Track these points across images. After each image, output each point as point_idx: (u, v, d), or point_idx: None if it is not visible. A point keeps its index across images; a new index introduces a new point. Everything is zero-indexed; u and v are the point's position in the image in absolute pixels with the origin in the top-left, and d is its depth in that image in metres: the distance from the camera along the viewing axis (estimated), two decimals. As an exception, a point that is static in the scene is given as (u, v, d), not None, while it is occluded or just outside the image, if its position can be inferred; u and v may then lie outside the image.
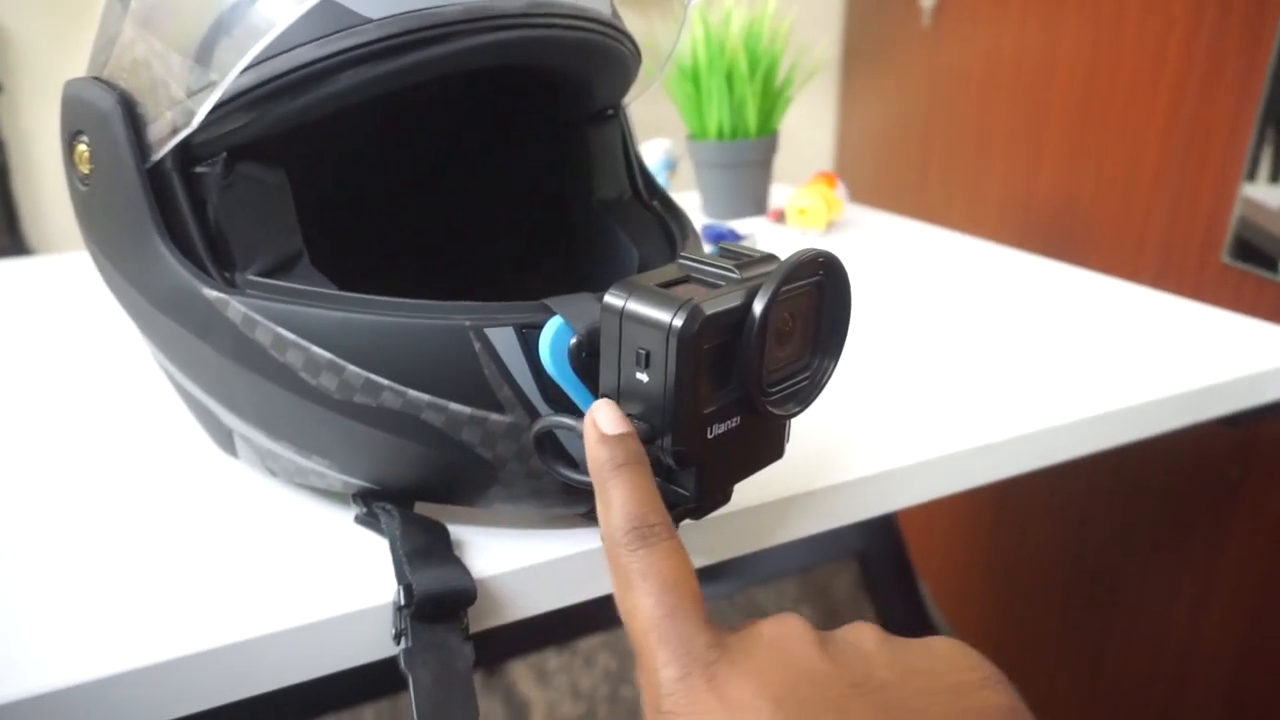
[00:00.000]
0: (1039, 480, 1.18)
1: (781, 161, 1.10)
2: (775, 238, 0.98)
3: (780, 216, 1.04)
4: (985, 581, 1.39)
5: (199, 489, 0.45)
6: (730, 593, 1.50)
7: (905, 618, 1.19)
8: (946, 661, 0.27)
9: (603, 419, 0.31)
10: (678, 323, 0.29)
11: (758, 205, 1.08)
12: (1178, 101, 0.95)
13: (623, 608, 0.28)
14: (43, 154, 1.36)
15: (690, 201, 1.13)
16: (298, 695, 0.40)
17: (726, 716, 0.24)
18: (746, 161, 1.05)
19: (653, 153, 1.10)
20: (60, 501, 0.45)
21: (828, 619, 1.63)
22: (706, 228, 0.94)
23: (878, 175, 1.62)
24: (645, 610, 0.27)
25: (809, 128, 1.70)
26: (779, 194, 1.17)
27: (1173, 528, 0.99)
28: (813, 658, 0.26)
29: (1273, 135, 0.83)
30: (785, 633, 0.27)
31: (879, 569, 1.20)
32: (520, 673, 1.52)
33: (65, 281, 0.87)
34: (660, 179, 1.12)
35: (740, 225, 1.02)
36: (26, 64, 1.32)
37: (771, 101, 1.05)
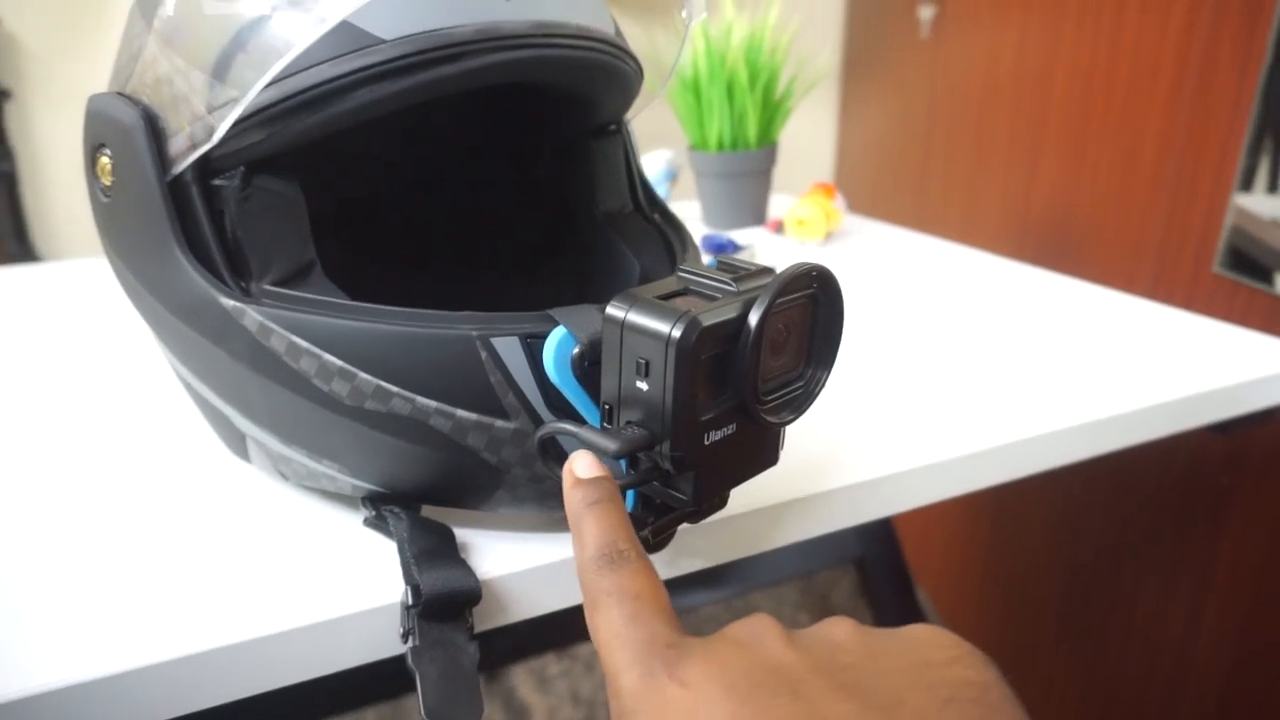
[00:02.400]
0: (1034, 486, 1.19)
1: (781, 172, 1.11)
2: (774, 248, 1.00)
3: (779, 227, 1.05)
4: (982, 586, 1.40)
5: (212, 491, 0.47)
6: (729, 598, 1.51)
7: (903, 623, 1.19)
8: (918, 643, 0.26)
9: (579, 466, 0.33)
10: (676, 334, 0.31)
11: (757, 215, 1.09)
12: (1172, 113, 0.96)
13: (590, 628, 0.28)
14: (51, 161, 1.38)
15: (690, 211, 1.14)
16: (300, 698, 0.41)
17: (681, 703, 0.24)
18: (746, 172, 1.07)
19: (654, 163, 1.12)
20: (75, 503, 0.46)
21: (826, 625, 1.63)
22: (706, 237, 0.96)
23: (876, 185, 1.64)
24: (608, 623, 0.27)
25: (809, 138, 1.72)
26: (778, 204, 1.19)
27: (1167, 533, 1.00)
28: (776, 650, 0.26)
29: (1267, 145, 0.85)
30: (751, 630, 0.27)
31: (876, 575, 1.21)
32: (521, 678, 1.53)
33: (74, 288, 0.88)
34: (661, 189, 1.14)
35: (740, 235, 1.03)
36: (35, 71, 1.33)
37: (772, 113, 1.07)
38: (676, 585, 0.40)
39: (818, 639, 0.27)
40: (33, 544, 0.42)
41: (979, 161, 1.32)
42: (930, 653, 0.26)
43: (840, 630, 0.27)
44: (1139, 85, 1.00)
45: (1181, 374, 0.62)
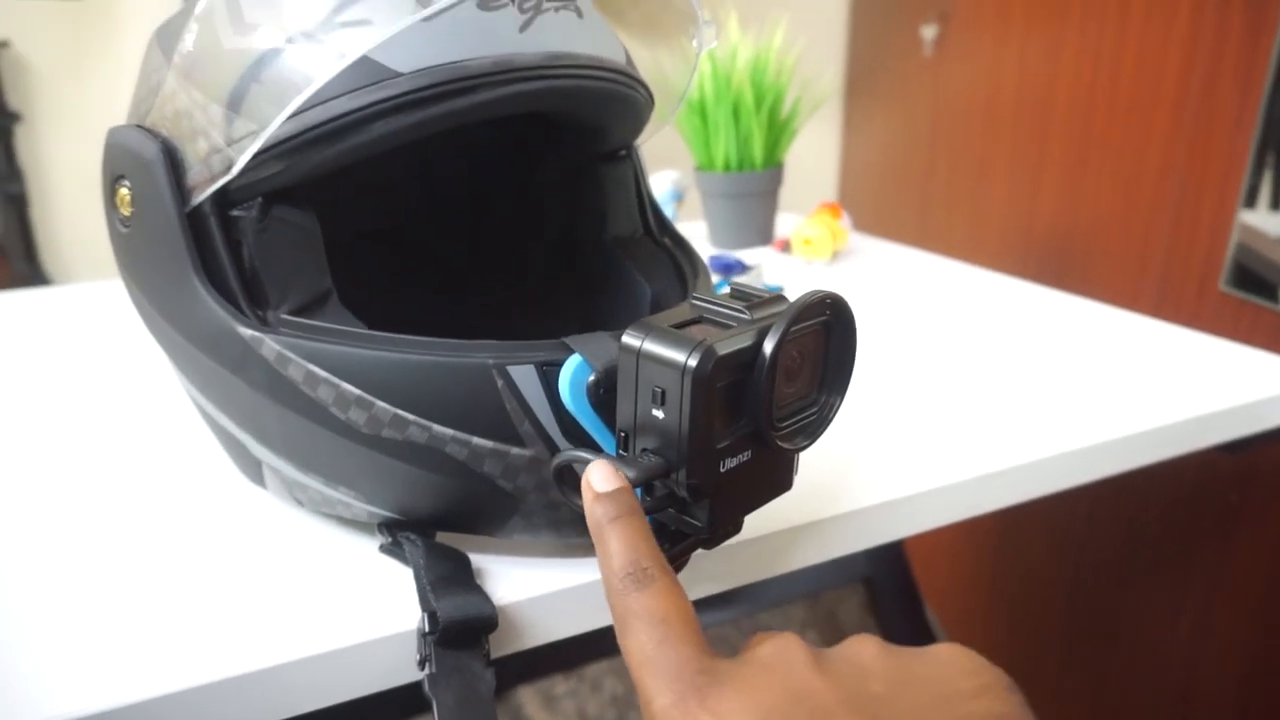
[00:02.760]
0: (1042, 505, 1.19)
1: (785, 190, 1.12)
2: (781, 267, 1.00)
3: (786, 246, 1.06)
4: (989, 605, 1.39)
5: (227, 518, 0.47)
6: (737, 618, 1.50)
7: (911, 642, 1.19)
8: (946, 668, 0.27)
9: (596, 479, 0.32)
10: (692, 363, 0.31)
11: (764, 235, 1.10)
12: (1175, 129, 0.97)
13: (624, 650, 0.29)
14: (61, 183, 1.39)
15: (697, 231, 1.15)
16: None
17: None
18: (753, 192, 1.07)
19: (660, 184, 1.12)
20: (89, 530, 0.46)
21: (834, 643, 1.63)
22: (713, 258, 0.96)
23: (880, 203, 1.64)
24: (639, 646, 0.28)
25: (813, 157, 1.73)
26: (785, 223, 1.19)
27: (1174, 551, 1.00)
28: (806, 676, 0.26)
29: (1271, 161, 0.85)
30: (779, 652, 0.27)
31: (885, 594, 1.21)
32: (528, 697, 1.52)
33: (83, 311, 0.89)
34: (668, 209, 1.15)
35: (746, 255, 1.04)
36: (46, 94, 1.35)
37: (777, 133, 1.08)
38: None
39: (845, 662, 0.27)
40: (46, 571, 0.42)
41: (982, 179, 1.32)
42: (958, 681, 0.26)
43: (866, 652, 0.28)
44: (1142, 102, 1.01)
45: (1190, 394, 0.62)
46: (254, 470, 0.45)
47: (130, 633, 0.38)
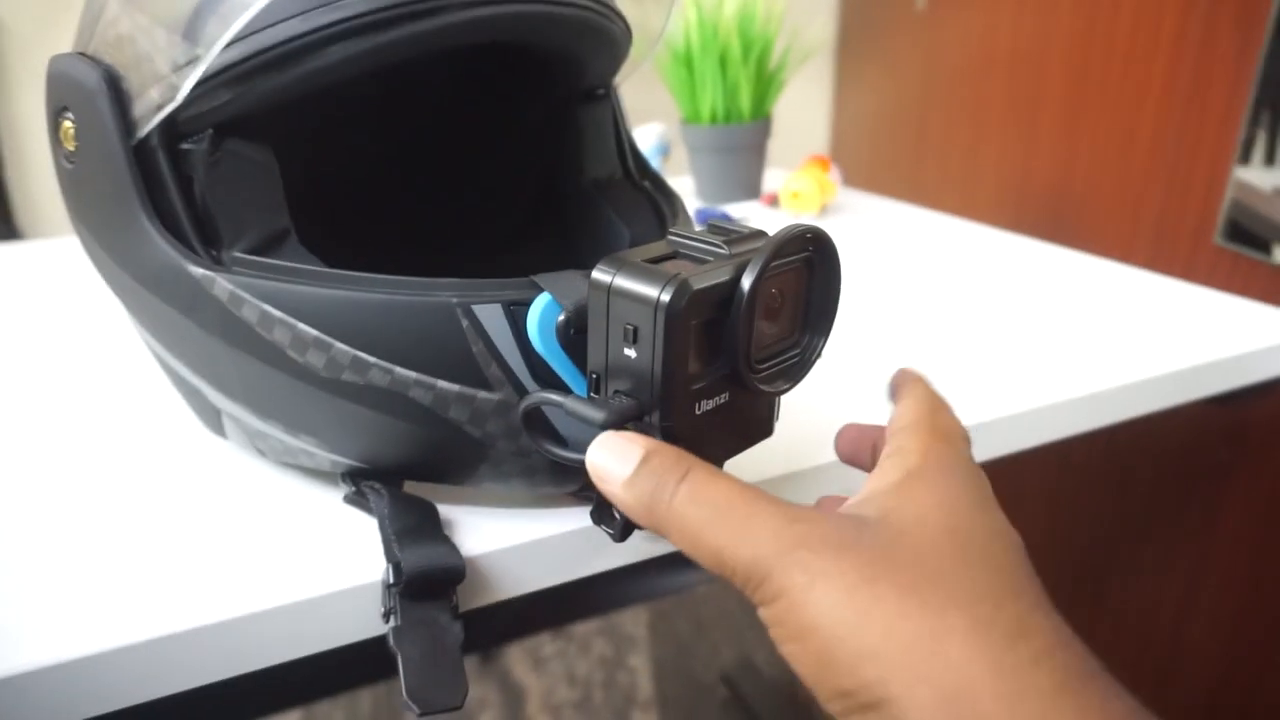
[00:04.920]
0: (1031, 466, 1.19)
1: (776, 146, 1.10)
2: (768, 222, 0.98)
3: (774, 201, 1.04)
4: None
5: (188, 470, 0.45)
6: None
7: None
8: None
9: (612, 464, 0.30)
10: (665, 298, 0.29)
11: (751, 189, 1.08)
12: (1171, 84, 0.94)
13: (695, 538, 0.28)
14: (35, 139, 1.35)
15: (684, 186, 1.13)
16: (291, 680, 0.40)
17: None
18: (740, 146, 1.05)
19: (646, 138, 1.10)
20: (49, 482, 0.44)
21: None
22: (699, 212, 0.94)
23: (873, 158, 1.62)
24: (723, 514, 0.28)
25: (804, 112, 1.70)
26: (773, 178, 1.17)
27: (1165, 509, 0.99)
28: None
29: (1266, 119, 0.83)
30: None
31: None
32: (515, 658, 1.53)
33: (56, 266, 0.87)
34: (654, 164, 1.12)
35: (733, 209, 1.02)
36: (18, 50, 1.31)
37: (765, 85, 1.05)
38: (668, 565, 0.39)
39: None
40: (1, 524, 0.41)
41: (976, 134, 1.30)
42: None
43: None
44: (1137, 55, 0.98)
45: (1182, 345, 0.61)
46: (214, 419, 0.43)
47: (88, 586, 0.36)
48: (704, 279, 0.30)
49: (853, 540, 0.26)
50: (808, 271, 0.34)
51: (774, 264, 0.32)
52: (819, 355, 0.36)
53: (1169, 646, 1.01)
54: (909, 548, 0.26)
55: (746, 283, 0.31)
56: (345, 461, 0.39)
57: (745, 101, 1.03)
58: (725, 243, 0.32)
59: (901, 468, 0.30)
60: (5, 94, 1.32)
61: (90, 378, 0.57)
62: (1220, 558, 0.93)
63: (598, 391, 0.33)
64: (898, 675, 0.23)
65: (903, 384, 0.36)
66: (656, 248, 0.33)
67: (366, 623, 0.37)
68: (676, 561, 0.43)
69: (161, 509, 0.42)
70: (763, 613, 0.27)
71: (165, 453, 0.47)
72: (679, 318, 0.29)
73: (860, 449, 0.38)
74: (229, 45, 0.34)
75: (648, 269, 0.31)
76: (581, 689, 1.46)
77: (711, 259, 0.32)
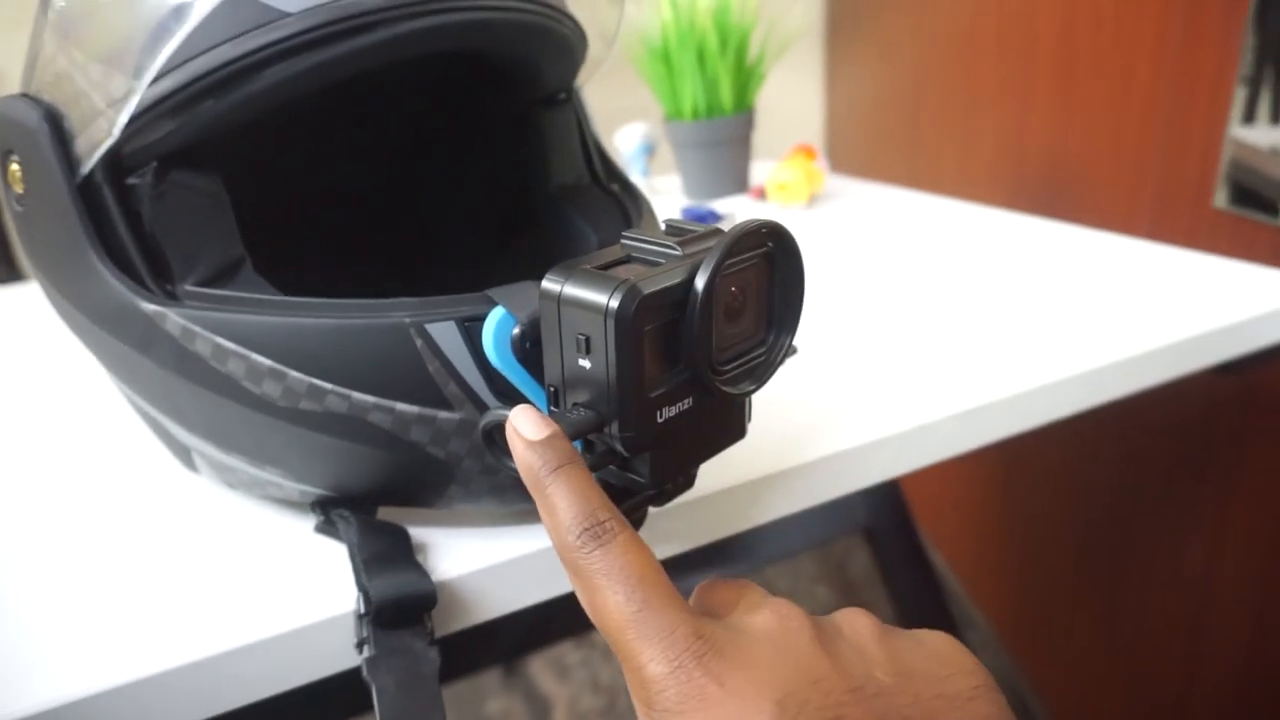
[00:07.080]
0: (1043, 443, 1.17)
1: (768, 137, 1.08)
2: (758, 215, 0.97)
3: (762, 193, 1.02)
4: (998, 544, 1.38)
5: (160, 507, 0.44)
6: (746, 573, 1.49)
7: (917, 592, 1.18)
8: (944, 665, 0.26)
9: (524, 426, 0.29)
10: (614, 304, 0.28)
11: (738, 183, 1.06)
12: (1161, 46, 0.92)
13: (591, 612, 0.27)
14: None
15: (671, 185, 1.12)
16: (271, 715, 0.39)
17: (729, 707, 0.23)
18: (724, 139, 1.04)
19: (630, 138, 1.09)
20: (25, 524, 0.44)
21: (844, 596, 1.62)
22: (686, 209, 0.93)
23: (868, 144, 1.60)
24: (616, 609, 0.26)
25: (794, 101, 1.68)
26: (762, 170, 1.16)
27: (1181, 480, 0.97)
28: (813, 654, 0.25)
29: (1268, 76, 0.81)
30: (781, 622, 0.26)
31: (887, 544, 1.19)
32: (539, 669, 1.52)
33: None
34: (640, 164, 1.11)
35: (721, 205, 1.00)
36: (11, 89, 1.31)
37: (746, 77, 1.03)
38: (681, 564, 0.38)
39: (847, 643, 0.26)
40: (-24, 574, 0.40)
41: (970, 112, 1.28)
42: (957, 681, 0.26)
43: (864, 630, 0.27)
44: (1126, 20, 0.96)
45: (1187, 313, 0.59)
46: (184, 454, 0.43)
47: (59, 629, 0.36)
48: (655, 282, 0.29)
49: None
50: (769, 267, 0.33)
51: (729, 262, 0.31)
52: (786, 353, 0.34)
53: (1192, 618, 0.99)
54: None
55: (700, 283, 0.30)
56: (313, 491, 0.39)
57: (726, 94, 1.02)
58: (679, 243, 0.31)
59: None
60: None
61: (77, 418, 0.57)
62: (1239, 523, 0.91)
63: (557, 405, 0.32)
64: None
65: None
66: (610, 253, 0.32)
67: (341, 655, 0.36)
68: (686, 561, 0.42)
69: (133, 549, 0.41)
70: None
71: (138, 491, 0.46)
72: (629, 323, 0.28)
73: None
74: (163, 75, 0.33)
75: (597, 275, 0.30)
76: (607, 696, 1.45)
77: (664, 260, 0.31)
